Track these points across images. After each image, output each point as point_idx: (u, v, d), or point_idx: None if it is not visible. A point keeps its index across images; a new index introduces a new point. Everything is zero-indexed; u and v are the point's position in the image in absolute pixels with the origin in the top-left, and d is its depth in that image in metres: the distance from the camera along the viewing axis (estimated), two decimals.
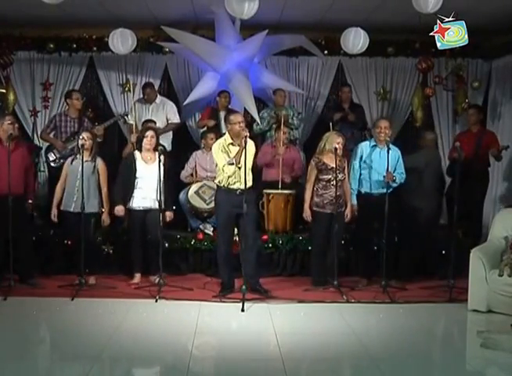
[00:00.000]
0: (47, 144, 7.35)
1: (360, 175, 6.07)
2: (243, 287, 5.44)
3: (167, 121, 7.58)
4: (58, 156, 7.12)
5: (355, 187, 6.08)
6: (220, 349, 4.57)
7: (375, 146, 6.05)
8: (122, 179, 6.09)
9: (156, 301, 5.53)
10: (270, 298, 5.65)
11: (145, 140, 6.04)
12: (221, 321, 5.14)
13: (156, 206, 5.90)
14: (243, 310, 5.27)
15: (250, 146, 5.68)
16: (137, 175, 6.00)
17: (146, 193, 5.98)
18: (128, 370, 4.26)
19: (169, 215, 6.12)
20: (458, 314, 5.39)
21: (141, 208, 6.02)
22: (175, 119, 7.64)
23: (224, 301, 5.56)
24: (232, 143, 5.70)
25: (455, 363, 4.34)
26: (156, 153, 6.02)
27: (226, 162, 5.60)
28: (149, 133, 6.08)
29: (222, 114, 7.51)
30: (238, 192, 5.62)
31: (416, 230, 6.10)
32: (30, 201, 6.09)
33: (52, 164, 7.18)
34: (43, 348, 4.64)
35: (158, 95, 7.73)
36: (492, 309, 5.31)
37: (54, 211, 6.07)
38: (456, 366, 4.28)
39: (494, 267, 5.35)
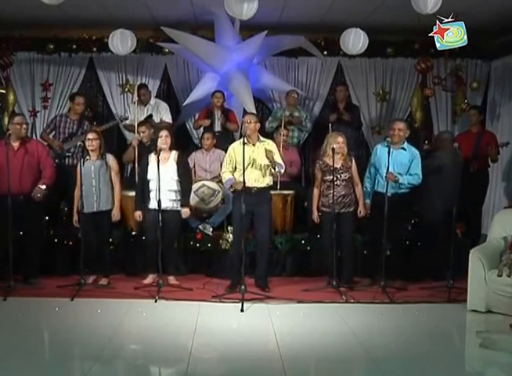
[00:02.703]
0: (46, 144, 7.34)
1: (376, 175, 6.13)
2: (242, 287, 5.45)
3: (161, 120, 7.62)
4: (55, 156, 7.11)
5: (370, 187, 6.14)
6: (219, 349, 4.56)
7: (389, 146, 6.05)
8: (141, 184, 6.12)
9: (156, 301, 5.53)
10: (269, 298, 5.65)
11: (159, 140, 6.05)
12: (220, 321, 5.13)
13: (173, 206, 5.97)
14: (242, 310, 5.27)
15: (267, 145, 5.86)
16: (151, 176, 5.99)
17: (162, 193, 5.88)
18: (128, 371, 4.25)
19: (185, 211, 6.10)
20: (457, 314, 5.39)
21: (157, 209, 5.87)
22: (168, 119, 7.68)
23: (223, 302, 5.57)
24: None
25: (454, 363, 4.34)
26: (172, 152, 6.08)
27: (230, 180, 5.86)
28: (163, 133, 6.10)
29: (217, 114, 7.55)
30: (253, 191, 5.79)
31: (432, 232, 6.18)
32: (42, 186, 5.89)
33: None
34: (43, 349, 4.63)
35: (152, 97, 7.76)
36: (491, 309, 5.32)
37: (76, 217, 6.02)
38: (455, 367, 4.28)
39: (493, 267, 5.35)
